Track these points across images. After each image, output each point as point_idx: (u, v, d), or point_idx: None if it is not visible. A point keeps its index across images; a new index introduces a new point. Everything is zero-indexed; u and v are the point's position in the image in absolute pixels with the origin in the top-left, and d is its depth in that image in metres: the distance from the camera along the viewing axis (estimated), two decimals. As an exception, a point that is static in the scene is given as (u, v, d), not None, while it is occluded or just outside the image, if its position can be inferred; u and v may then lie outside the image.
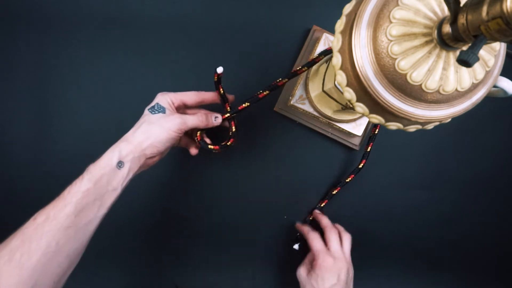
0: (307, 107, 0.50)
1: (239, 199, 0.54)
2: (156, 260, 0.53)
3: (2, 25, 0.50)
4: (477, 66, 0.27)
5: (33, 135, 0.51)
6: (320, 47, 0.50)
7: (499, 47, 0.27)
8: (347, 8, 0.30)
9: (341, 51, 0.29)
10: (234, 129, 0.46)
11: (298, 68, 0.43)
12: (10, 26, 0.50)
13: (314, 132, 0.53)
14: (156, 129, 0.38)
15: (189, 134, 0.46)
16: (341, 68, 0.29)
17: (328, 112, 0.49)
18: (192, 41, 0.52)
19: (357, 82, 0.28)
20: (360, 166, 0.52)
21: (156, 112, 0.39)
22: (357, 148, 0.53)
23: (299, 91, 0.50)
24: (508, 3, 0.18)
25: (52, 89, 0.51)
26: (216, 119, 0.44)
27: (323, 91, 0.46)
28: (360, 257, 0.57)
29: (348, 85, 0.29)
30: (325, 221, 0.51)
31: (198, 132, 0.44)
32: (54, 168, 0.51)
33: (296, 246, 0.52)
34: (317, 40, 0.51)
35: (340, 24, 0.30)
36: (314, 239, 0.47)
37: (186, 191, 0.54)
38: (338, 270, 0.45)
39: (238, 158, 0.53)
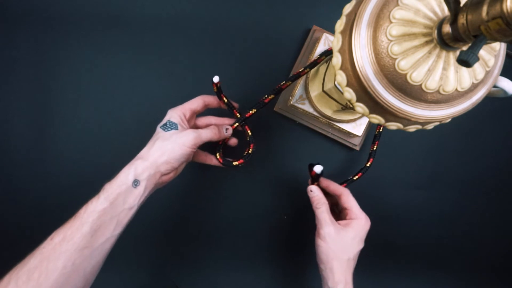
0: (307, 107, 0.50)
1: (239, 199, 0.54)
2: (156, 260, 0.53)
3: (2, 25, 0.50)
4: (477, 66, 0.27)
5: (33, 135, 0.51)
6: (320, 47, 0.50)
7: (499, 47, 0.27)
8: (347, 8, 0.30)
9: (341, 51, 0.29)
10: (250, 133, 0.46)
11: (300, 70, 0.43)
12: (10, 26, 0.50)
13: (314, 132, 0.53)
14: (170, 145, 0.38)
15: (204, 148, 0.46)
16: (341, 68, 0.29)
17: (328, 112, 0.49)
18: (192, 41, 0.52)
19: (357, 82, 0.28)
20: (368, 165, 0.51)
21: (169, 129, 0.39)
22: (357, 148, 0.53)
23: (299, 91, 0.50)
24: (508, 3, 0.18)
25: (52, 89, 0.51)
26: (227, 131, 0.44)
27: (323, 91, 0.46)
28: (360, 256, 0.57)
29: (348, 85, 0.29)
30: (335, 186, 0.45)
31: (217, 154, 0.45)
32: (54, 168, 0.51)
33: (319, 169, 0.41)
34: (317, 40, 0.51)
35: (340, 24, 0.30)
36: (350, 196, 0.44)
37: (185, 192, 0.54)
38: (366, 233, 0.44)
39: (238, 158, 0.53)
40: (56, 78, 0.51)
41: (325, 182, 0.46)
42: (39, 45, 0.50)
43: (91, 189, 0.51)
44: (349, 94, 0.29)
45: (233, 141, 0.47)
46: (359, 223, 0.43)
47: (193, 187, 0.54)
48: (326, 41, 0.50)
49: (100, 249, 0.34)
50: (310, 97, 0.49)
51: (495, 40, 0.20)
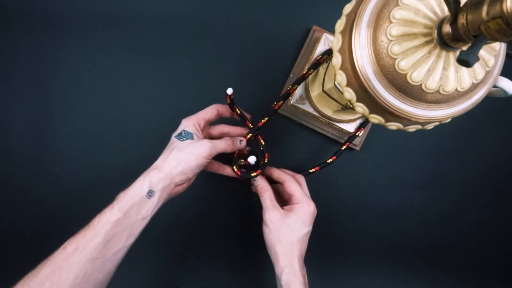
0: (307, 107, 0.50)
1: (239, 199, 0.54)
2: (156, 260, 0.53)
3: (2, 25, 0.50)
4: (477, 66, 0.27)
5: (33, 135, 0.51)
6: (320, 47, 0.50)
7: (499, 47, 0.27)
8: (347, 8, 0.30)
9: (341, 51, 0.29)
10: (263, 143, 0.46)
11: (305, 72, 0.43)
12: (10, 26, 0.50)
13: (314, 132, 0.53)
14: (186, 155, 0.38)
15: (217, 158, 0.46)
16: (341, 68, 0.29)
17: (328, 112, 0.49)
18: (192, 41, 0.52)
19: (357, 82, 0.28)
20: (329, 161, 0.49)
21: (184, 138, 0.39)
22: (357, 148, 0.53)
23: (299, 91, 0.50)
24: (508, 3, 0.18)
25: (52, 89, 0.51)
26: (240, 142, 0.44)
27: (323, 91, 0.46)
28: (360, 256, 0.57)
29: (348, 85, 0.29)
30: (278, 173, 0.47)
31: (234, 167, 0.45)
32: (54, 168, 0.51)
33: (252, 159, 0.46)
34: (317, 40, 0.51)
35: (340, 24, 0.30)
36: (292, 182, 0.45)
37: (185, 192, 0.54)
38: (314, 217, 0.44)
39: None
40: (56, 78, 0.51)
41: (269, 170, 0.47)
42: (39, 45, 0.50)
43: (91, 189, 0.51)
44: (349, 94, 0.29)
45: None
46: (301, 207, 0.43)
47: (194, 187, 0.54)
48: (326, 41, 0.50)
49: (112, 259, 0.34)
50: (310, 97, 0.49)
51: (495, 40, 0.20)
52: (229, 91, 0.41)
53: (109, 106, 0.51)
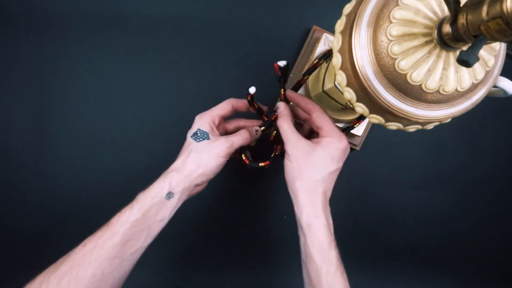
0: (307, 107, 0.50)
1: (238, 199, 0.54)
2: (156, 260, 0.53)
3: (2, 25, 0.50)
4: (477, 66, 0.27)
5: (33, 135, 0.51)
6: (320, 47, 0.50)
7: (499, 47, 0.27)
8: (347, 8, 0.30)
9: (341, 51, 0.29)
10: (275, 134, 0.46)
11: (315, 61, 0.42)
12: (10, 26, 0.50)
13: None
14: (205, 157, 0.37)
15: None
16: (341, 68, 0.29)
17: (328, 112, 0.49)
18: (192, 41, 0.52)
19: (357, 82, 0.28)
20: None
21: (200, 139, 0.39)
22: (357, 148, 0.53)
23: (299, 91, 0.50)
24: (508, 3, 0.18)
25: (52, 89, 0.51)
26: (257, 133, 0.43)
27: (323, 91, 0.46)
28: (360, 257, 0.57)
29: (348, 85, 0.29)
30: (306, 102, 0.41)
31: (243, 156, 0.43)
32: (54, 168, 0.51)
33: (282, 63, 0.39)
34: (317, 40, 0.51)
35: (340, 24, 0.30)
36: (321, 113, 0.39)
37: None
38: (346, 155, 0.39)
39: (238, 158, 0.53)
40: (56, 78, 0.51)
41: (297, 98, 0.42)
42: (39, 45, 0.50)
43: (91, 189, 0.51)
44: (349, 94, 0.29)
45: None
46: (330, 141, 0.37)
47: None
48: (326, 41, 0.50)
49: (129, 259, 0.34)
50: (310, 97, 0.49)
51: (495, 40, 0.20)
52: (252, 90, 0.40)
53: (109, 106, 0.51)
